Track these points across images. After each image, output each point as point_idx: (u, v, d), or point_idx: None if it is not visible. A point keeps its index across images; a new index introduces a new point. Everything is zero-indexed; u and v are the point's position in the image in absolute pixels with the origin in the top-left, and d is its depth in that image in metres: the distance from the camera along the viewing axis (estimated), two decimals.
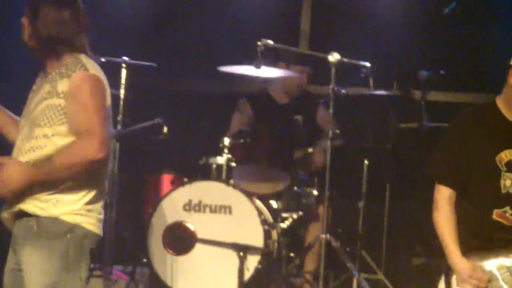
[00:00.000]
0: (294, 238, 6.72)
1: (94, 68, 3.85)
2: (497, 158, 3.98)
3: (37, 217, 3.80)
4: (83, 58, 3.85)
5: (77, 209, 3.80)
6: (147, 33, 7.93)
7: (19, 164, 3.80)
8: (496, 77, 4.62)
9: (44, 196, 3.79)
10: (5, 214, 3.89)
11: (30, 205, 3.79)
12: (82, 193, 3.81)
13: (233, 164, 6.28)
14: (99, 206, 3.93)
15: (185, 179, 6.19)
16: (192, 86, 8.18)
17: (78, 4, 3.92)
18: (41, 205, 3.77)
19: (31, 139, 3.77)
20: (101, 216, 3.95)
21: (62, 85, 3.77)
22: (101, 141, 3.74)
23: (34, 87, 3.97)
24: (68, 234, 3.76)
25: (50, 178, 3.75)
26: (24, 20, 3.85)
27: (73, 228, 3.78)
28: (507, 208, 3.98)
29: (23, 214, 3.82)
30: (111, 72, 4.66)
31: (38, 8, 3.85)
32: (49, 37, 3.88)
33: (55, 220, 3.77)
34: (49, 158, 3.76)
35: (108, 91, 3.86)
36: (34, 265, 3.85)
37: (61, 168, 3.73)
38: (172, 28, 8.08)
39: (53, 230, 3.77)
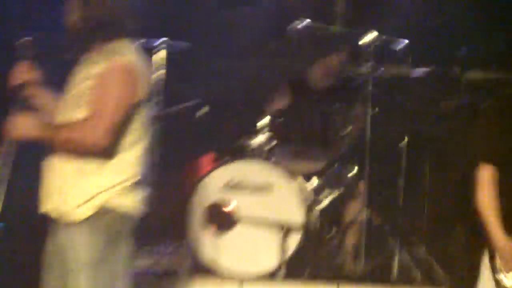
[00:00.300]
0: (334, 215, 6.68)
1: (132, 56, 3.94)
2: None
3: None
4: (123, 44, 3.94)
5: (117, 191, 3.90)
6: (182, 14, 7.70)
7: (31, 117, 3.94)
8: None
9: (83, 188, 3.89)
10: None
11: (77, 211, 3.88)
12: (124, 176, 3.91)
13: (274, 143, 6.35)
14: (140, 187, 4.03)
15: (226, 158, 6.32)
16: (233, 66, 8.04)
17: None
18: (79, 198, 3.88)
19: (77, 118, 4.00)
20: (142, 197, 4.03)
21: (97, 68, 3.86)
22: (105, 129, 3.82)
23: (76, 70, 4.02)
24: (108, 214, 3.87)
25: (51, 141, 3.87)
26: (73, 3, 3.92)
27: (114, 208, 3.89)
28: None
29: None
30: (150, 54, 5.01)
31: None
32: (97, 19, 3.95)
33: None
34: (60, 125, 3.93)
35: (141, 79, 3.93)
36: (76, 242, 3.93)
37: (61, 140, 3.85)
38: (209, 10, 8.09)
39: (79, 220, 3.91)
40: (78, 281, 4.00)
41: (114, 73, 3.89)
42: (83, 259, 3.96)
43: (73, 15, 3.91)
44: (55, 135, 3.86)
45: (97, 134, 3.79)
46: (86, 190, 3.87)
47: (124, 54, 3.92)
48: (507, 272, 4.31)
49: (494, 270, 4.35)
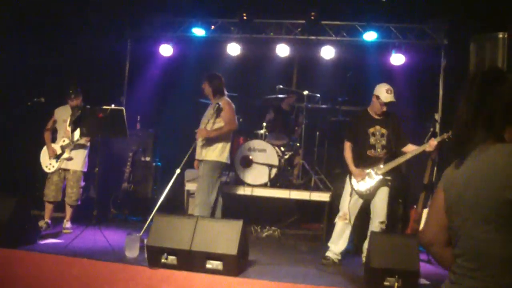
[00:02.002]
0: (290, 162, 9.93)
1: (227, 98, 7.81)
2: (369, 130, 7.04)
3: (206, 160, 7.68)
4: (224, 96, 7.78)
5: (219, 154, 7.73)
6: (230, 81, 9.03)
7: (205, 129, 7.61)
8: None
9: (211, 150, 7.67)
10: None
11: (205, 155, 7.63)
12: (224, 147, 7.75)
13: (267, 133, 9.83)
14: (228, 152, 7.85)
15: (248, 138, 9.70)
16: (256, 102, 11.17)
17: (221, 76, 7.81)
18: (210, 154, 7.64)
19: (208, 126, 7.67)
20: (228, 155, 7.84)
21: (221, 103, 7.62)
22: (235, 124, 7.75)
23: (207, 110, 7.83)
24: (216, 160, 7.74)
25: (212, 136, 7.56)
26: (205, 86, 7.87)
27: (218, 159, 7.71)
28: (372, 150, 7.03)
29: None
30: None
31: (211, 80, 7.89)
32: (214, 89, 7.82)
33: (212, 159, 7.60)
34: (216, 128, 7.63)
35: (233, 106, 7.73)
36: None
37: (216, 134, 7.61)
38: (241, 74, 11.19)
39: (210, 161, 7.68)
40: (200, 182, 7.81)
41: (227, 103, 7.69)
42: (204, 172, 7.74)
43: (205, 88, 7.88)
44: (215, 133, 7.61)
45: (233, 125, 7.71)
46: (211, 151, 7.67)
47: (225, 97, 7.74)
48: (357, 183, 7.17)
49: (351, 182, 7.24)
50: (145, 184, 10.31)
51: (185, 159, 7.58)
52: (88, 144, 8.57)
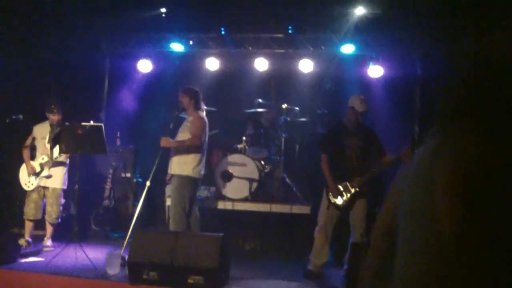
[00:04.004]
0: (270, 175, 9.98)
1: (201, 113, 7.81)
2: (344, 142, 7.28)
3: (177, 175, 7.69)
4: (199, 111, 7.82)
5: (193, 168, 7.77)
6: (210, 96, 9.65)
7: (168, 138, 7.64)
8: None
9: (181, 164, 7.70)
10: None
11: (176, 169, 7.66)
12: (195, 162, 7.74)
13: (246, 147, 9.88)
14: (200, 167, 7.86)
15: (228, 153, 9.73)
16: (235, 116, 10.92)
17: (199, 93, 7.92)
18: (180, 168, 7.69)
19: (178, 137, 7.92)
20: (199, 170, 7.83)
21: (191, 118, 7.81)
22: (198, 139, 7.63)
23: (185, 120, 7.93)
24: (188, 175, 7.71)
25: (171, 146, 7.63)
26: (184, 98, 7.90)
27: (190, 175, 7.73)
28: (348, 162, 7.21)
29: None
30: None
31: (192, 93, 7.96)
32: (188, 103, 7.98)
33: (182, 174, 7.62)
34: (182, 140, 7.69)
35: (206, 121, 7.78)
36: (174, 181, 7.84)
37: (181, 144, 7.62)
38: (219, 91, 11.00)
39: (179, 175, 7.71)
40: (172, 197, 7.85)
41: (198, 118, 7.74)
42: (174, 187, 7.80)
43: (182, 103, 7.89)
44: (180, 143, 7.64)
45: (196, 141, 7.60)
46: (182, 166, 7.70)
47: (199, 112, 7.76)
48: (333, 197, 7.35)
49: (328, 196, 7.40)
50: (125, 200, 10.24)
51: (152, 171, 7.71)
52: (68, 161, 8.60)
